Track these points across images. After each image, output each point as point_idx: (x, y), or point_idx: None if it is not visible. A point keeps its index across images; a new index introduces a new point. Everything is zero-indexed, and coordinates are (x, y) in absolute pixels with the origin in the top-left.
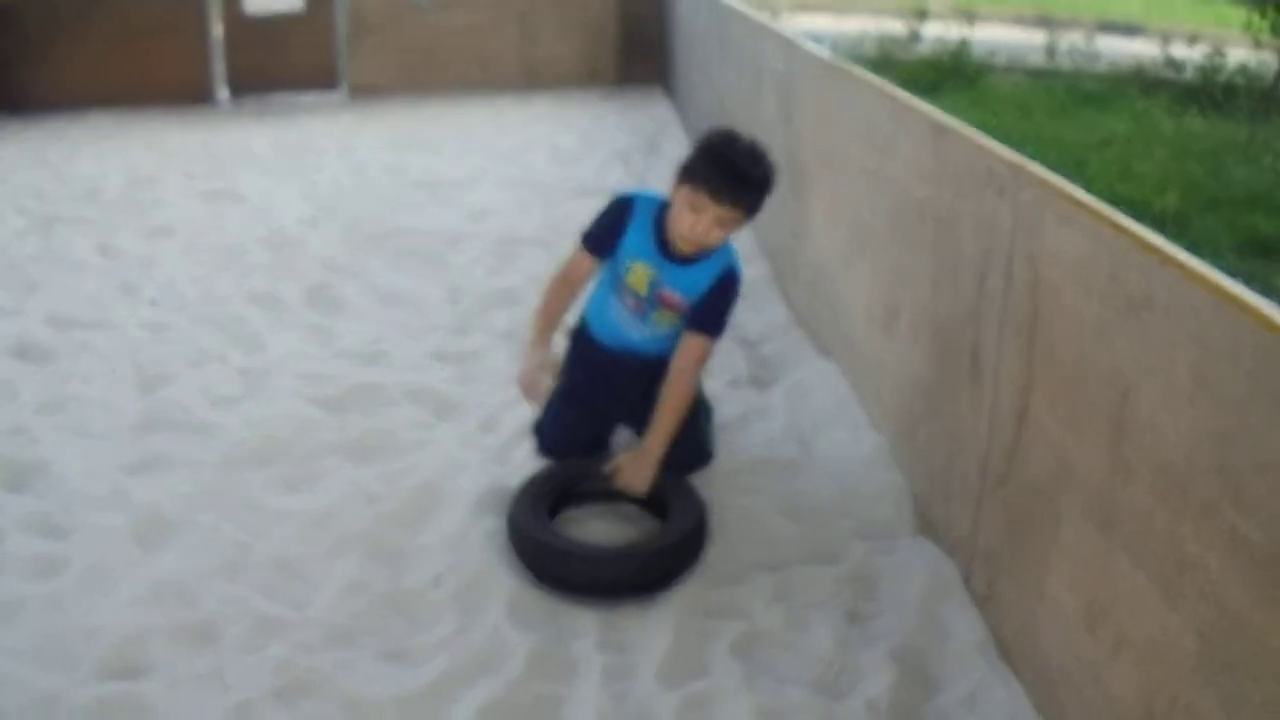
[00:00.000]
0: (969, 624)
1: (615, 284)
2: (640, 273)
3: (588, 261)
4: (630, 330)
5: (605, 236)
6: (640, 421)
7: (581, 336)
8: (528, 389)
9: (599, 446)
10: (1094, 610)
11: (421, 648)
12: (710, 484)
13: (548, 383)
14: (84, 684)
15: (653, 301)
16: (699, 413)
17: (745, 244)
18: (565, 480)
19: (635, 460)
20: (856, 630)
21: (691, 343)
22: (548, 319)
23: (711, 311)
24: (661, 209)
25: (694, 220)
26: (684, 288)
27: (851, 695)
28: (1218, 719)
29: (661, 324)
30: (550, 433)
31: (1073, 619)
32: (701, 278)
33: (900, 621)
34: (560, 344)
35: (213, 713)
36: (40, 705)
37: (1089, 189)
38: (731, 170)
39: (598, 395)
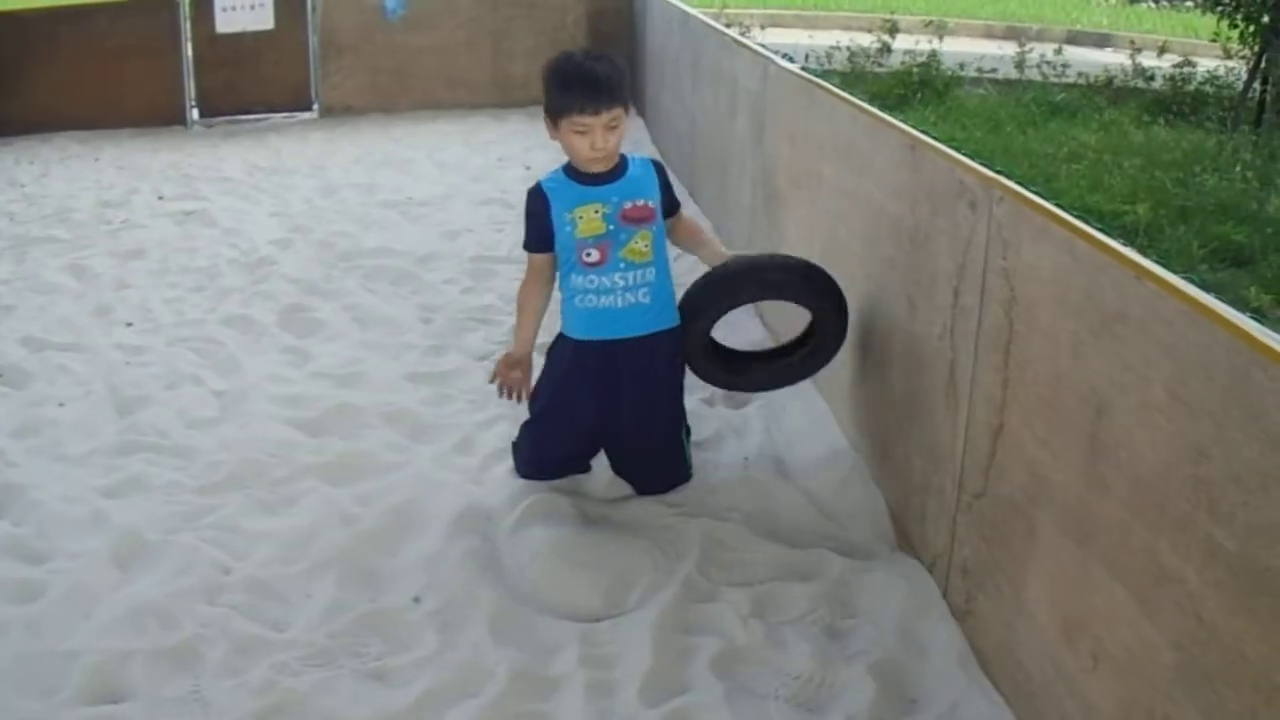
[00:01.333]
0: (948, 638)
1: (570, 258)
2: (588, 215)
3: (540, 260)
4: (601, 299)
5: (538, 225)
6: (631, 419)
7: (557, 346)
8: (501, 376)
9: (580, 469)
10: (1072, 623)
11: (402, 667)
12: (687, 501)
13: (520, 377)
14: (64, 708)
15: (619, 232)
16: (681, 432)
17: None
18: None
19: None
20: (836, 646)
21: (685, 216)
22: (528, 315)
23: (672, 192)
24: (566, 168)
25: (589, 141)
26: (640, 191)
27: (831, 711)
28: None
29: (633, 260)
30: (530, 453)
31: (1051, 632)
32: (642, 173)
33: (879, 637)
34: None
35: None
36: None
37: (1059, 201)
38: (584, 80)
39: (577, 399)
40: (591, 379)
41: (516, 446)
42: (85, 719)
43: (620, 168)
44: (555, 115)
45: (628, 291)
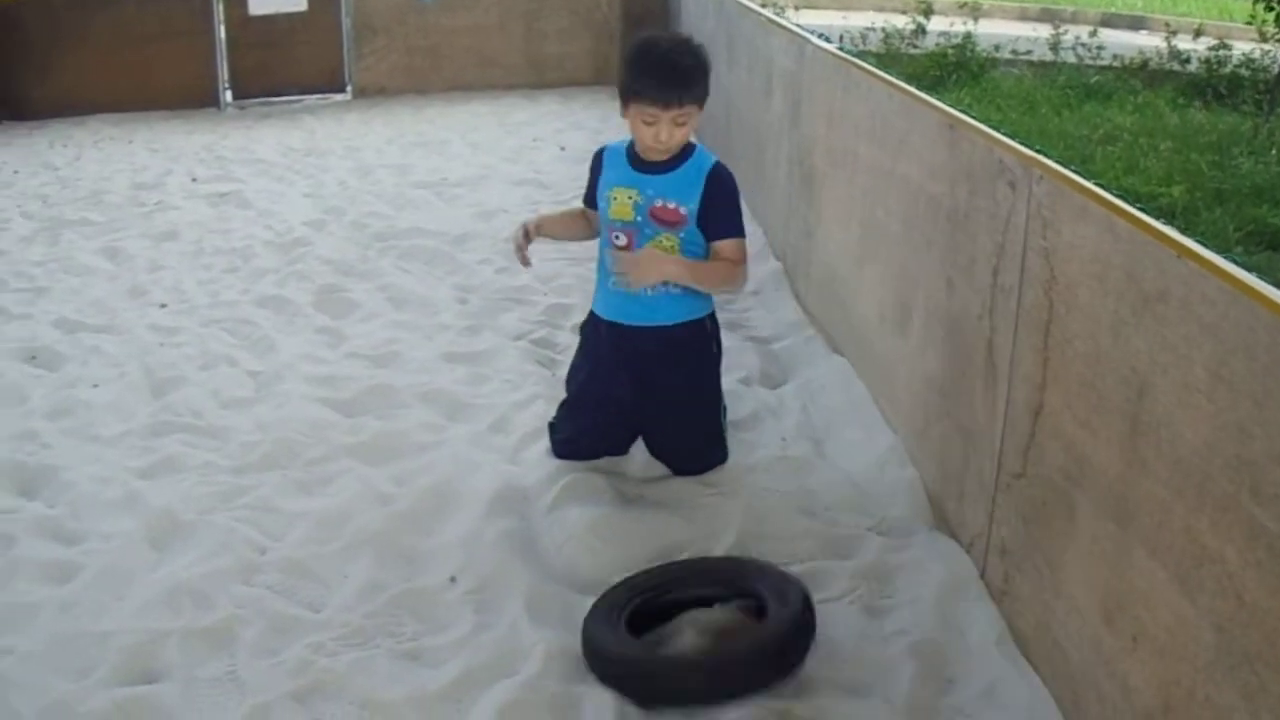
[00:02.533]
0: (986, 618)
1: (604, 232)
2: (621, 198)
3: (591, 212)
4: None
5: (589, 185)
6: (666, 404)
7: (591, 325)
8: (517, 242)
9: (618, 450)
10: (1111, 604)
11: (438, 648)
12: (724, 481)
13: (524, 244)
14: (99, 688)
15: (645, 224)
16: (719, 415)
17: (756, 243)
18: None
19: (645, 252)
20: (874, 625)
21: (724, 247)
22: (562, 213)
23: (723, 214)
24: (631, 143)
25: (653, 131)
26: (676, 193)
27: (870, 690)
28: (1237, 710)
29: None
30: (566, 434)
31: (1090, 612)
32: (689, 180)
33: (917, 617)
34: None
35: (229, 716)
36: (56, 710)
37: (1096, 183)
38: (664, 72)
39: (612, 379)
40: (625, 360)
41: (554, 426)
42: (120, 699)
43: (676, 161)
44: (627, 98)
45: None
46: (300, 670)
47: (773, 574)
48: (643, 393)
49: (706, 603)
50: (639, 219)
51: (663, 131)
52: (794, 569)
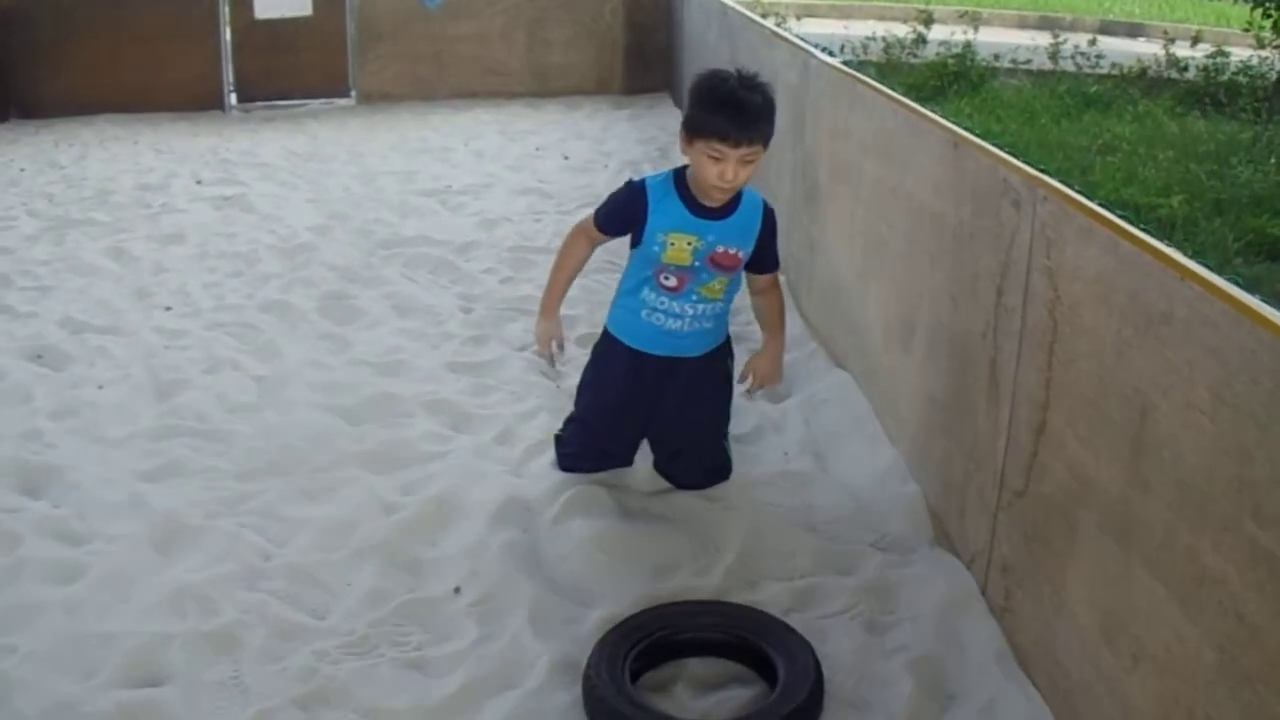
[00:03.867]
0: (987, 635)
1: (648, 269)
2: (680, 244)
3: (600, 235)
4: (669, 322)
5: (621, 219)
6: (689, 426)
7: (611, 348)
8: (542, 349)
9: (624, 463)
10: (1112, 622)
11: (442, 658)
12: (727, 496)
13: (558, 352)
14: (102, 690)
15: (702, 269)
16: (725, 429)
17: None
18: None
19: (763, 358)
20: (875, 641)
21: (768, 280)
22: (563, 278)
23: (772, 248)
24: (678, 178)
25: (719, 170)
26: (737, 239)
27: (870, 706)
28: None
29: (706, 296)
30: (573, 449)
31: (1091, 631)
32: (748, 222)
33: (918, 633)
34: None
35: None
36: (59, 710)
37: (1094, 194)
38: (733, 109)
39: (632, 406)
40: (647, 386)
41: (560, 439)
42: (123, 701)
43: (732, 204)
44: (693, 134)
45: (695, 320)
46: (304, 677)
47: (778, 629)
48: (659, 416)
49: (708, 648)
50: (696, 264)
51: (729, 170)
52: (795, 584)
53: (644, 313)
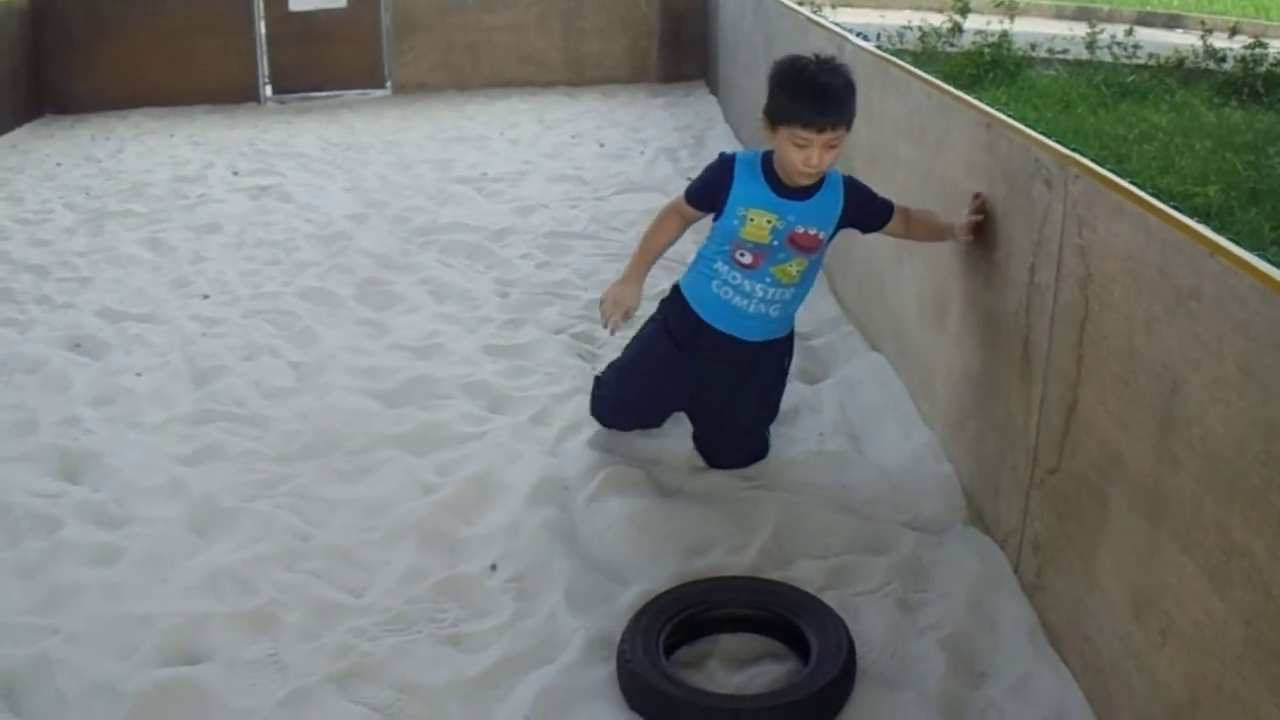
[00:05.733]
0: (1018, 613)
1: (726, 243)
2: (759, 221)
3: (691, 211)
4: (736, 298)
5: (708, 191)
6: (737, 411)
7: (675, 307)
8: (607, 311)
9: (651, 423)
10: (1141, 598)
11: (478, 634)
12: (762, 475)
13: (625, 316)
14: (142, 669)
15: (779, 248)
16: (771, 420)
17: None
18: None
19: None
20: (908, 619)
21: (898, 220)
22: (648, 253)
23: (874, 205)
24: (765, 158)
25: (804, 155)
26: (818, 220)
27: (903, 682)
28: (1264, 704)
29: (780, 279)
30: (614, 400)
31: (1120, 607)
32: (830, 202)
33: (950, 610)
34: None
35: (270, 698)
36: (99, 689)
37: (1132, 182)
38: (815, 95)
39: (676, 368)
40: (702, 359)
41: (599, 380)
42: (162, 680)
43: (815, 185)
44: (777, 121)
45: (763, 302)
46: (340, 654)
47: (811, 606)
48: (706, 391)
49: (742, 624)
50: (775, 243)
51: (814, 155)
52: (829, 562)
53: (714, 284)
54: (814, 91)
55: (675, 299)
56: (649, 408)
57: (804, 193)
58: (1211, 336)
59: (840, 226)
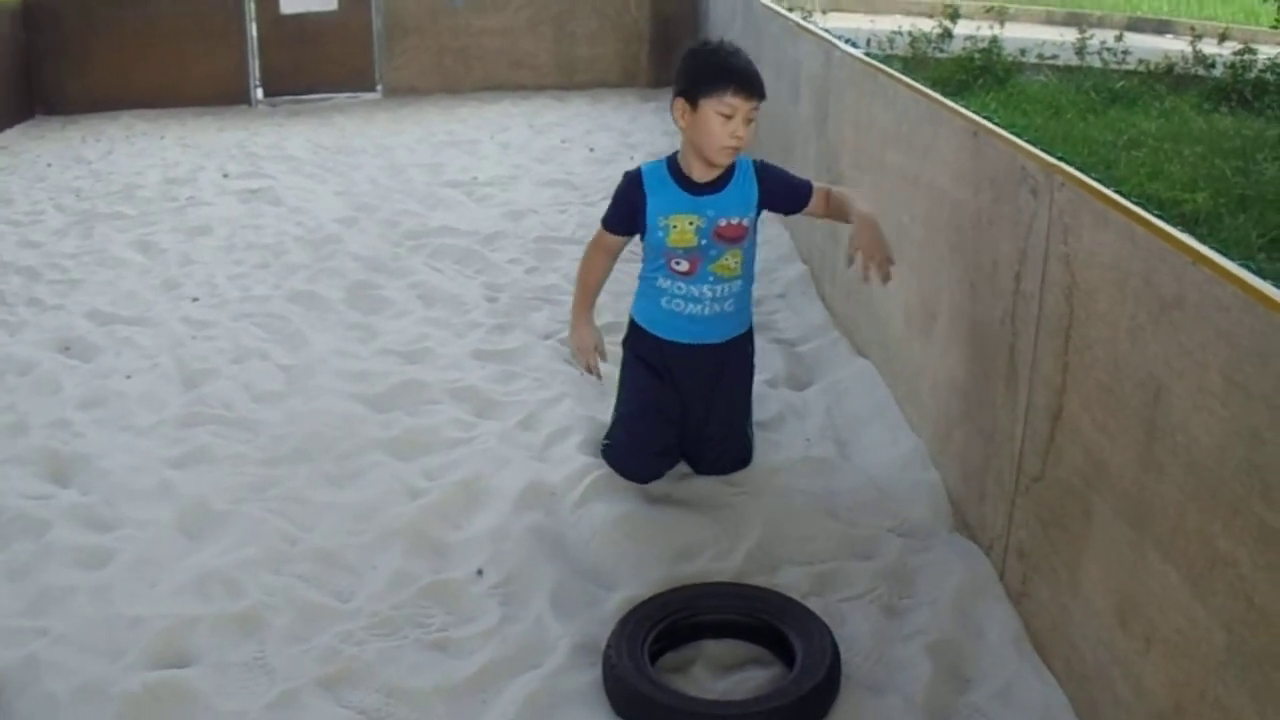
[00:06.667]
0: (1003, 620)
1: (659, 257)
2: (682, 226)
3: (614, 239)
4: (690, 307)
5: (624, 211)
6: (715, 411)
7: (639, 339)
8: (580, 360)
9: (672, 460)
10: (1126, 605)
11: (465, 639)
12: (749, 481)
13: (597, 355)
14: (131, 671)
15: (710, 248)
16: (748, 420)
17: (783, 247)
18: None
19: (859, 229)
20: (893, 625)
21: (817, 199)
22: (586, 289)
23: (786, 180)
24: (670, 163)
25: (730, 127)
26: (737, 208)
27: (888, 688)
28: (1246, 711)
29: (722, 275)
30: (630, 456)
31: (1105, 614)
32: (744, 188)
33: (936, 617)
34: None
35: (258, 700)
36: (88, 691)
37: (1119, 189)
38: (738, 66)
39: (667, 397)
40: (677, 376)
41: (607, 446)
42: (151, 682)
43: (726, 176)
44: (700, 94)
45: (715, 302)
46: (328, 658)
47: (797, 612)
48: (688, 402)
49: (727, 630)
50: (703, 242)
51: (739, 126)
52: (815, 568)
53: (663, 300)
54: (737, 64)
55: (634, 330)
56: (658, 440)
57: (716, 186)
58: (1195, 345)
59: (760, 210)
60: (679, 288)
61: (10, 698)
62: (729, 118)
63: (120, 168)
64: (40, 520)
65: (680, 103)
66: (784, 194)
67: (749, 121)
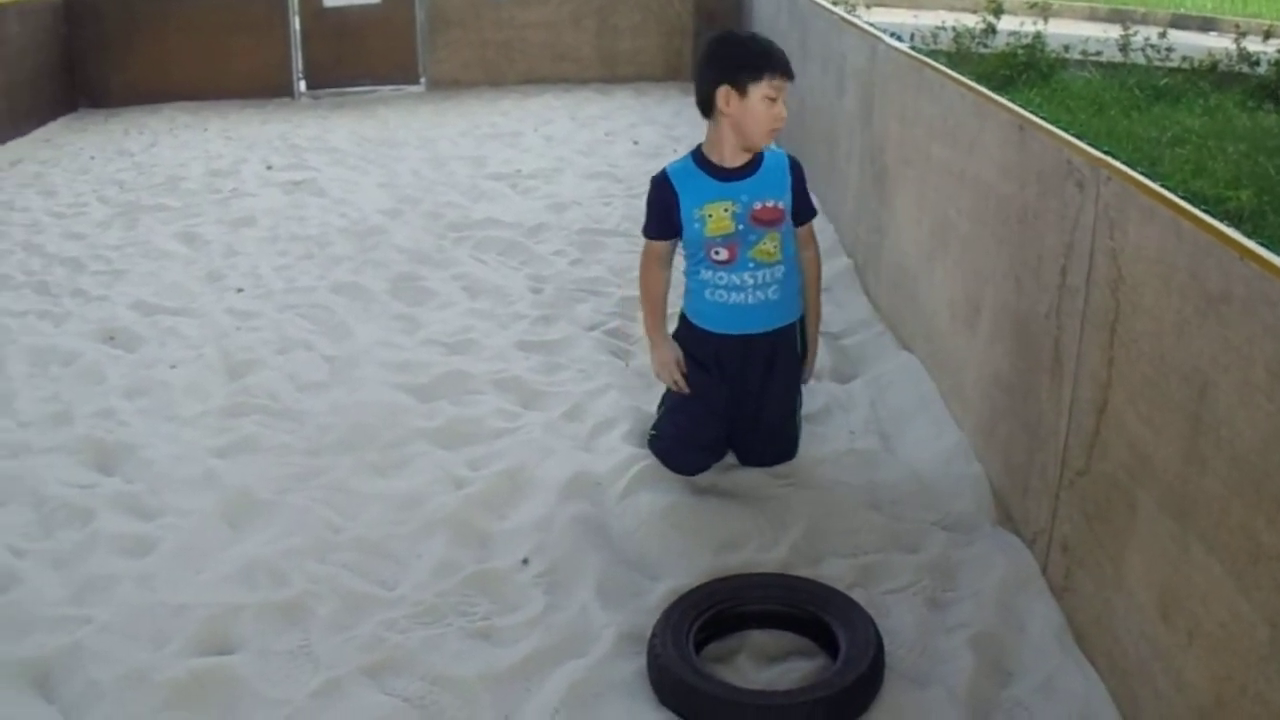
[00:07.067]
0: (1046, 613)
1: (699, 250)
2: (718, 214)
3: (661, 246)
4: (732, 296)
5: (661, 215)
6: (766, 403)
7: (689, 334)
8: (665, 378)
9: (719, 454)
10: (1168, 600)
11: (509, 627)
12: (793, 473)
13: (682, 368)
14: (175, 658)
15: (748, 233)
16: (798, 411)
17: (827, 239)
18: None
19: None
20: (936, 618)
21: (805, 232)
22: (656, 304)
23: (806, 197)
24: (696, 156)
25: (776, 110)
26: (771, 191)
27: (931, 680)
28: None
29: (762, 260)
30: (677, 449)
31: (1148, 608)
32: (777, 174)
33: (979, 610)
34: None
35: (303, 688)
36: (132, 678)
37: (1163, 185)
38: (776, 49)
39: (715, 392)
40: (725, 367)
41: (654, 437)
42: (196, 669)
43: (755, 162)
44: (748, 79)
45: (758, 289)
46: (372, 646)
47: (841, 603)
48: (737, 394)
49: (772, 620)
50: (741, 228)
51: (781, 108)
52: (859, 560)
53: (708, 293)
54: (773, 47)
55: (683, 325)
56: (705, 434)
57: (747, 171)
58: (1241, 340)
59: (794, 200)
60: (720, 278)
61: (56, 685)
62: (774, 100)
63: (163, 160)
64: (85, 509)
65: (726, 89)
66: (801, 199)
67: (784, 101)
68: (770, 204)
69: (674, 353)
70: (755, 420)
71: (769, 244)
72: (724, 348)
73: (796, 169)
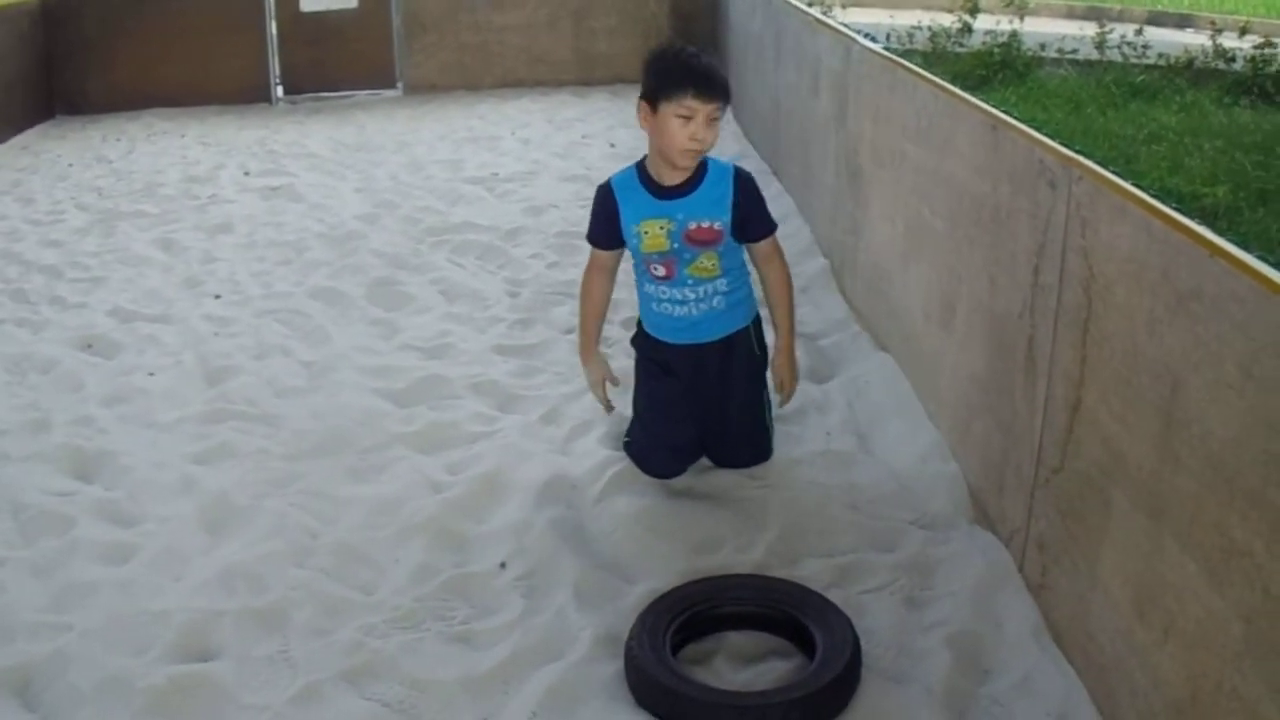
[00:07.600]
0: (1023, 611)
1: (640, 263)
2: (654, 231)
3: (603, 255)
4: (677, 309)
5: (602, 224)
6: (729, 408)
7: (645, 340)
8: (596, 398)
9: (692, 457)
10: (1144, 596)
11: (487, 631)
12: (769, 475)
13: (611, 387)
14: (155, 665)
15: (682, 250)
16: (764, 413)
17: (803, 240)
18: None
19: (778, 357)
20: (914, 617)
21: (764, 248)
22: (591, 315)
23: (757, 213)
24: (639, 169)
25: (690, 130)
26: (708, 211)
27: (909, 679)
28: (1263, 702)
29: (700, 276)
30: (649, 453)
31: (1123, 605)
32: (718, 193)
33: (956, 609)
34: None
35: (282, 694)
36: (113, 684)
37: (1139, 183)
38: (698, 68)
39: (677, 396)
40: (680, 374)
41: (628, 443)
42: (175, 676)
43: (696, 179)
44: (659, 97)
45: (700, 302)
46: (351, 651)
47: (817, 603)
48: (698, 399)
49: (748, 621)
50: (675, 246)
51: (699, 128)
52: (835, 560)
53: (654, 305)
54: (697, 65)
55: (638, 332)
56: (678, 436)
57: (684, 189)
58: (1211, 337)
59: (738, 218)
60: (662, 291)
61: (37, 691)
62: (688, 119)
63: (141, 166)
64: (64, 516)
65: (643, 105)
66: (751, 215)
67: (711, 123)
68: (706, 224)
69: (601, 371)
70: (722, 424)
71: (706, 261)
72: (675, 356)
73: (743, 184)
